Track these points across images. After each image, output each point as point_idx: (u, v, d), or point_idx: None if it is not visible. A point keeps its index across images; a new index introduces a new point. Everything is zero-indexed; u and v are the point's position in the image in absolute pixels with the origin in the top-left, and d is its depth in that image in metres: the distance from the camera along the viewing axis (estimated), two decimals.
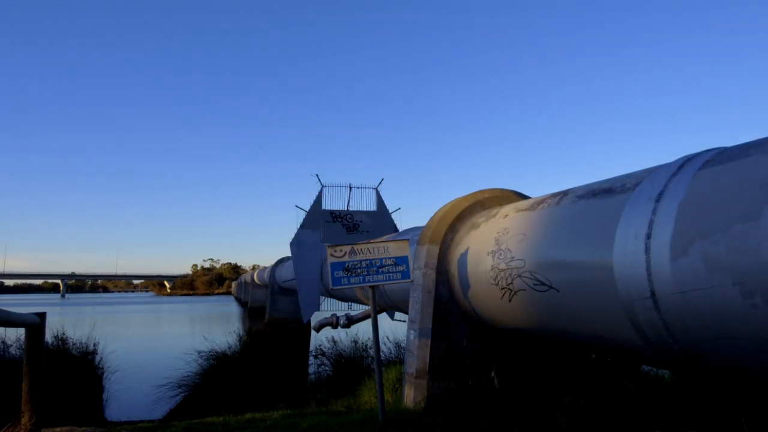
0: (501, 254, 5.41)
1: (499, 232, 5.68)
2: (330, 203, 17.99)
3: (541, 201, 5.45)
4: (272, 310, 30.81)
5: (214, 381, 11.30)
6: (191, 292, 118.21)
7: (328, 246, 6.33)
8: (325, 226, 17.48)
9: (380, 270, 6.24)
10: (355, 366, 11.63)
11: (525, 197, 7.04)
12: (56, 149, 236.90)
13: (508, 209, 6.09)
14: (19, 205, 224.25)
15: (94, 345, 9.98)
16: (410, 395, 6.47)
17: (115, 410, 9.83)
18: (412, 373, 6.53)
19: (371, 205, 18.34)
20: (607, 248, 3.85)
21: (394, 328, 14.69)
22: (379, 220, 18.12)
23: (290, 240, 17.52)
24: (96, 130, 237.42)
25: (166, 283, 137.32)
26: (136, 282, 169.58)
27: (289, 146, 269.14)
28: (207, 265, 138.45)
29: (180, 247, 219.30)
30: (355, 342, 12.59)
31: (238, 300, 70.99)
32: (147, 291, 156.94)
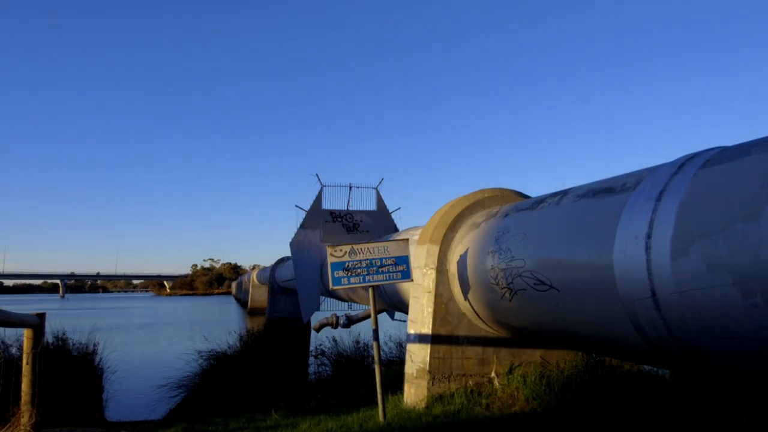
0: (501, 254, 5.41)
1: (499, 231, 5.68)
2: (330, 203, 17.98)
3: (542, 200, 5.45)
4: (272, 310, 30.80)
5: (214, 381, 11.28)
6: (191, 292, 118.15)
7: (328, 246, 6.32)
8: (325, 225, 17.47)
9: (380, 270, 6.24)
10: (355, 366, 11.62)
11: (525, 197, 7.04)
12: (55, 149, 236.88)
13: (509, 209, 6.09)
14: (18, 205, 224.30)
15: (94, 345, 9.96)
16: (411, 395, 6.47)
17: (115, 411, 9.81)
18: (412, 373, 6.52)
19: (371, 205, 18.33)
20: (608, 248, 3.85)
21: (394, 328, 14.69)
22: (379, 220, 18.11)
23: (290, 240, 17.51)
24: (95, 130, 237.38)
25: (165, 283, 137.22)
26: (135, 282, 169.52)
27: (290, 146, 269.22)
28: (207, 265, 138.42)
29: (180, 247, 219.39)
30: (356, 342, 12.58)
31: (238, 300, 70.95)
32: (147, 291, 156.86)
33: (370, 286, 6.26)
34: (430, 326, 6.42)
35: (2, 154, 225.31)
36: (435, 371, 6.30)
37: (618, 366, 6.52)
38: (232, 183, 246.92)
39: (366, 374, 10.27)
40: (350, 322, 15.47)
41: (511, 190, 7.12)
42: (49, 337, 8.81)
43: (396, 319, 16.10)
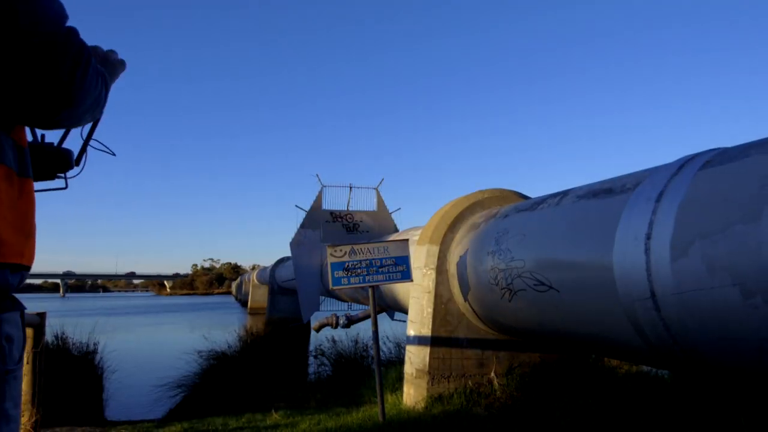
0: (501, 254, 5.41)
1: (499, 232, 5.68)
2: (330, 203, 17.94)
3: (541, 201, 5.45)
4: (272, 310, 30.75)
5: (214, 381, 11.27)
6: (191, 292, 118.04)
7: (328, 246, 6.33)
8: (325, 226, 17.46)
9: (380, 270, 6.24)
10: (355, 366, 11.61)
11: (525, 197, 7.04)
12: None
13: (508, 209, 6.09)
14: None
15: (94, 344, 9.96)
16: (410, 395, 6.47)
17: (115, 410, 9.81)
18: (412, 373, 6.53)
19: (371, 205, 18.30)
20: (607, 248, 3.85)
21: (394, 328, 14.67)
22: (379, 221, 18.09)
23: (290, 240, 17.52)
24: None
25: (166, 282, 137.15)
26: (136, 282, 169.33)
27: (290, 146, 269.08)
28: (207, 265, 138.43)
29: (180, 247, 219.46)
30: (356, 342, 12.57)
31: (238, 300, 70.93)
32: (147, 291, 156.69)
33: (370, 287, 6.26)
34: (430, 327, 6.42)
35: None
36: (434, 372, 6.31)
37: (617, 367, 6.52)
38: (232, 183, 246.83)
39: (366, 374, 10.26)
40: (350, 322, 15.47)
41: (511, 191, 7.13)
42: (49, 336, 8.81)
43: (396, 319, 16.07)
